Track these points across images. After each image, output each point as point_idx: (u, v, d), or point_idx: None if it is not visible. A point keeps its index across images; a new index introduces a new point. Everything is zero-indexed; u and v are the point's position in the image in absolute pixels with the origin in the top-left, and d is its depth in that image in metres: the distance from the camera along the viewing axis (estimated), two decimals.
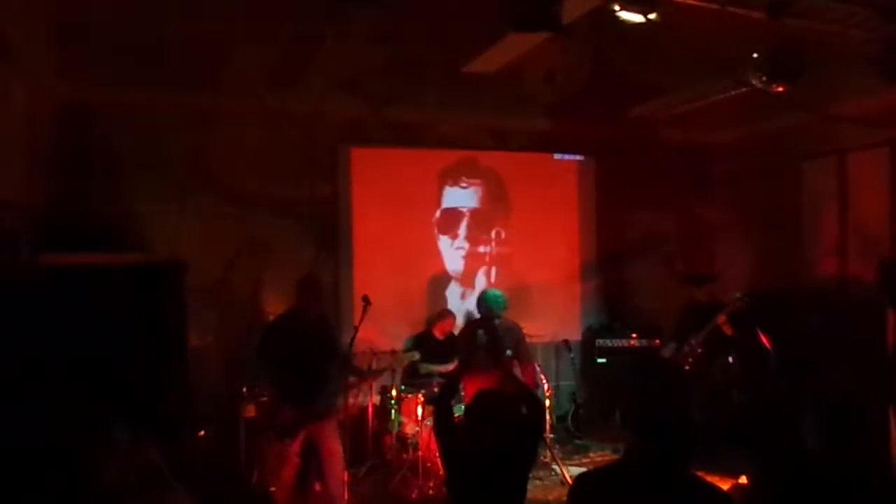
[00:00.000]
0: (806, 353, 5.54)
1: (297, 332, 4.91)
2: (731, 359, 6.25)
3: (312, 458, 5.03)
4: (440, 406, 3.33)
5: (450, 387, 3.49)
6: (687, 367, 6.36)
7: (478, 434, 2.87)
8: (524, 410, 3.07)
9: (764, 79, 4.11)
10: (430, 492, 5.55)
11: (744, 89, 4.52)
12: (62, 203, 5.27)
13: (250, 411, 5.36)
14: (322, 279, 5.88)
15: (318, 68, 6.13)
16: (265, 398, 5.41)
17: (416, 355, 6.16)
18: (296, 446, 4.85)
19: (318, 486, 5.21)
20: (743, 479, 4.37)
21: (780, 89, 4.15)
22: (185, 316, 4.20)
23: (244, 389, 5.50)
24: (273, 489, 5.00)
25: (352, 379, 5.22)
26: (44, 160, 5.11)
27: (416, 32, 6.26)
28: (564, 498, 5.24)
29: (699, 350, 6.28)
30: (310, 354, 4.89)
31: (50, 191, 5.17)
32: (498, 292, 5.76)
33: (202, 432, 5.11)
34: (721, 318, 6.02)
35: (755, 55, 4.10)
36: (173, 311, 4.04)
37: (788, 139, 7.05)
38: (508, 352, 5.49)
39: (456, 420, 3.47)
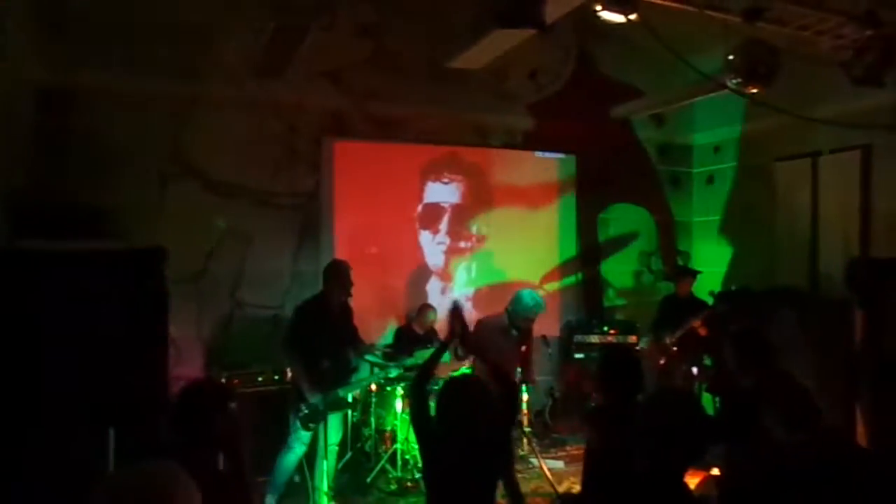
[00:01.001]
0: (776, 350, 5.66)
1: (323, 317, 4.89)
2: (695, 369, 6.43)
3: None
4: (415, 392, 3.35)
5: (425, 374, 3.48)
6: (662, 362, 6.52)
7: (450, 420, 2.91)
8: (494, 395, 3.09)
9: (739, 81, 4.22)
10: (409, 484, 5.61)
11: (720, 91, 4.62)
12: (42, 190, 5.24)
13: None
14: (286, 269, 5.90)
15: (303, 60, 6.16)
16: (248, 388, 5.43)
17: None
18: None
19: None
20: (715, 471, 4.48)
21: (755, 92, 4.25)
22: (165, 304, 4.21)
23: (223, 379, 5.52)
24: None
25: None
26: (23, 146, 5.09)
27: (401, 27, 6.32)
28: (542, 489, 5.37)
29: (674, 348, 6.43)
30: (334, 340, 4.90)
31: (29, 177, 5.15)
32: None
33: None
34: (696, 322, 6.17)
35: (731, 58, 4.20)
36: (154, 298, 4.06)
37: (763, 140, 7.20)
38: None
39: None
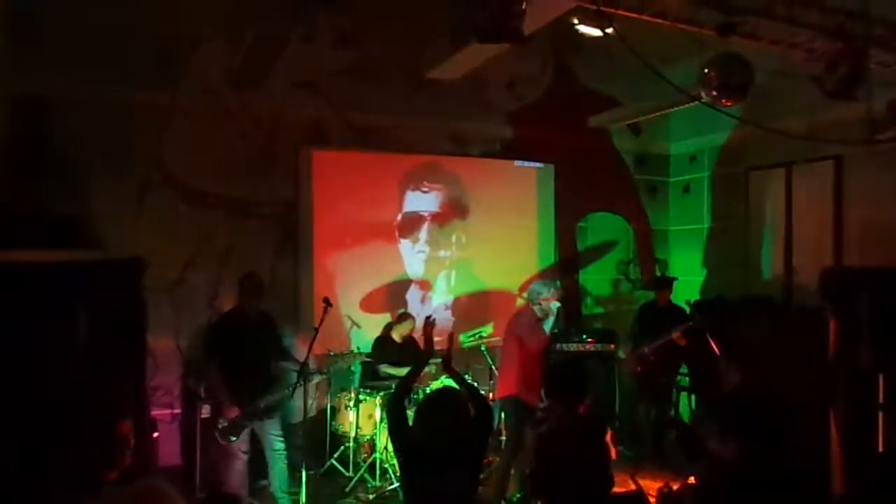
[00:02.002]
0: (751, 359, 5.74)
1: (239, 330, 4.96)
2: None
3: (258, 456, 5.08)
4: (394, 406, 3.38)
5: (404, 389, 3.54)
6: (639, 370, 6.58)
7: (429, 430, 2.94)
8: (472, 410, 3.14)
9: (714, 94, 4.28)
10: (387, 493, 5.60)
11: (695, 103, 4.69)
12: (17, 199, 5.17)
13: (206, 411, 5.35)
14: (269, 279, 5.93)
15: (282, 70, 6.16)
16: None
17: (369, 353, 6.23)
18: (242, 444, 4.91)
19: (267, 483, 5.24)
20: (692, 479, 4.52)
21: (729, 104, 4.32)
22: (143, 315, 4.17)
23: (201, 390, 5.48)
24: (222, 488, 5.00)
25: (297, 377, 5.24)
26: None
27: (380, 37, 6.34)
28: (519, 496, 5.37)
29: (651, 358, 6.48)
30: (252, 352, 4.95)
31: (4, 187, 5.08)
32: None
33: (156, 434, 5.07)
34: (676, 334, 6.22)
35: (706, 71, 4.26)
36: (131, 309, 4.01)
37: (738, 150, 7.32)
38: None
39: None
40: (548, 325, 5.42)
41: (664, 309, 6.72)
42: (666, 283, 6.98)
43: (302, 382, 5.02)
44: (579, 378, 3.67)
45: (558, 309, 5.48)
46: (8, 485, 3.34)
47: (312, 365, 5.40)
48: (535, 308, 5.46)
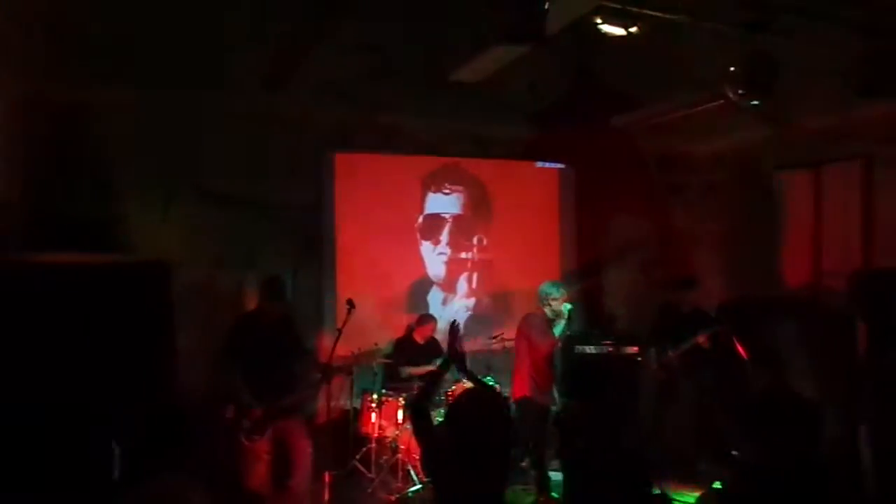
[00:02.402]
0: (779, 363, 5.66)
1: (259, 331, 4.99)
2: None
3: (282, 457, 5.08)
4: (418, 408, 3.39)
5: (427, 392, 3.55)
6: (664, 377, 6.44)
7: (459, 430, 2.94)
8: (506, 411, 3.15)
9: (740, 92, 4.23)
10: (410, 494, 5.60)
11: (720, 102, 4.64)
12: (48, 203, 5.25)
13: (232, 411, 5.36)
14: (292, 280, 5.98)
15: (305, 73, 6.18)
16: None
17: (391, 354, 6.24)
18: (265, 444, 4.93)
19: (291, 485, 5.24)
20: (716, 485, 4.47)
21: (755, 103, 4.26)
22: (171, 316, 4.22)
23: (225, 391, 5.50)
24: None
25: (318, 377, 5.26)
26: (30, 160, 5.09)
27: (402, 40, 6.34)
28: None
29: (676, 363, 6.34)
30: (272, 352, 4.96)
31: (37, 190, 5.16)
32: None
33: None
34: (702, 338, 6.09)
35: (731, 69, 4.21)
36: (160, 311, 4.06)
37: (764, 151, 7.21)
38: None
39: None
40: (559, 328, 5.38)
41: (686, 312, 6.55)
42: (687, 284, 6.80)
43: (326, 383, 5.03)
44: (599, 378, 3.64)
45: (570, 311, 5.43)
46: (32, 482, 3.39)
47: (335, 365, 5.42)
48: (546, 309, 5.43)
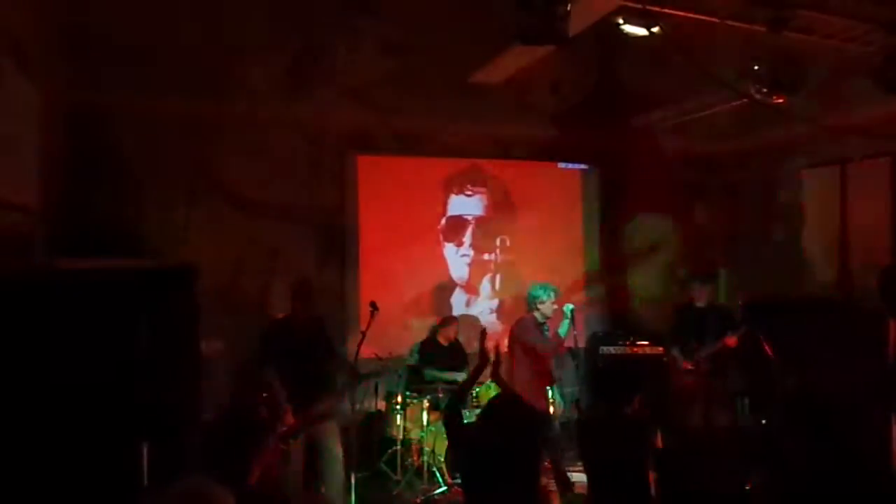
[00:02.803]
0: (806, 362, 5.58)
1: (292, 335, 5.01)
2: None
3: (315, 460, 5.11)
4: (452, 412, 3.42)
5: (461, 395, 3.62)
6: (690, 382, 6.25)
7: (491, 435, 2.98)
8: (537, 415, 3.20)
9: (764, 90, 4.19)
10: (436, 496, 5.61)
11: (745, 100, 4.59)
12: (75, 208, 5.35)
13: (264, 413, 5.39)
14: (316, 283, 6.01)
15: (327, 77, 6.24)
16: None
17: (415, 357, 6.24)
18: (299, 448, 4.95)
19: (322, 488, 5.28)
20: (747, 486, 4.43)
21: (780, 101, 4.22)
22: (196, 321, 4.27)
23: (262, 394, 5.54)
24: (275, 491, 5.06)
25: (348, 380, 5.30)
26: (57, 166, 5.20)
27: (424, 43, 6.37)
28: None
29: (704, 367, 6.20)
30: (305, 357, 4.98)
31: (63, 196, 5.26)
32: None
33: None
34: (730, 339, 5.96)
35: (756, 67, 4.17)
36: (185, 316, 4.11)
37: (790, 149, 7.12)
38: None
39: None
40: (564, 329, 5.32)
41: (707, 309, 6.37)
42: (706, 281, 6.62)
43: (357, 385, 5.05)
44: (626, 378, 3.67)
45: (572, 311, 5.37)
46: (60, 484, 3.45)
47: (362, 368, 5.47)
48: (535, 313, 5.39)
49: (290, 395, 4.90)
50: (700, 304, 6.41)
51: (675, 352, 6.38)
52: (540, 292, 5.42)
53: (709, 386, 6.38)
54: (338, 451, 5.06)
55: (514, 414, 3.03)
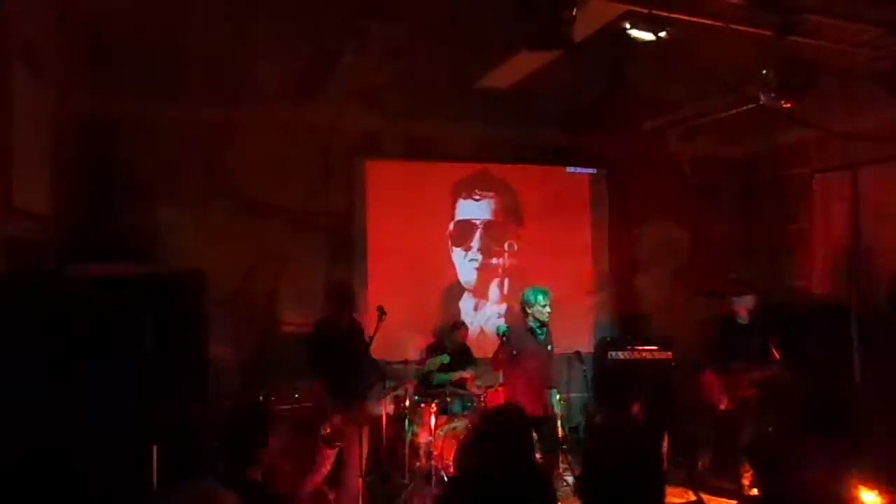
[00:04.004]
0: (816, 367, 5.54)
1: (336, 337, 5.05)
2: None
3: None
4: None
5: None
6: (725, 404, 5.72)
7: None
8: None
9: (773, 95, 4.17)
10: (444, 501, 5.60)
11: (754, 105, 4.58)
12: (86, 214, 5.40)
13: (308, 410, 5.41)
14: (320, 286, 6.07)
15: (336, 82, 6.26)
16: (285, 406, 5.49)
17: (446, 358, 6.24)
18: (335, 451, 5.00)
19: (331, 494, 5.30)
20: (754, 491, 4.41)
21: (789, 105, 4.20)
22: (204, 325, 4.30)
23: (272, 398, 5.56)
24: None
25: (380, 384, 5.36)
26: (69, 173, 5.24)
27: (431, 48, 6.38)
28: None
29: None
30: (348, 359, 5.01)
31: (74, 202, 5.30)
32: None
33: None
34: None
35: (764, 72, 4.16)
36: (193, 320, 4.14)
37: (800, 153, 7.08)
38: None
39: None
40: (541, 336, 5.35)
41: (749, 325, 5.81)
42: (744, 291, 5.96)
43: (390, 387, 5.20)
44: (627, 383, 3.62)
45: (548, 315, 5.38)
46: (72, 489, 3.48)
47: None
48: (529, 319, 5.40)
49: (336, 397, 4.90)
50: (742, 317, 5.86)
51: (703, 371, 5.83)
52: (536, 296, 5.41)
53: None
54: (360, 452, 5.08)
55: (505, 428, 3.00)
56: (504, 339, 5.37)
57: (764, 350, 5.62)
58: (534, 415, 5.36)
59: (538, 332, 5.42)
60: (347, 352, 5.01)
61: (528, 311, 5.39)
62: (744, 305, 5.84)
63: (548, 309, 5.39)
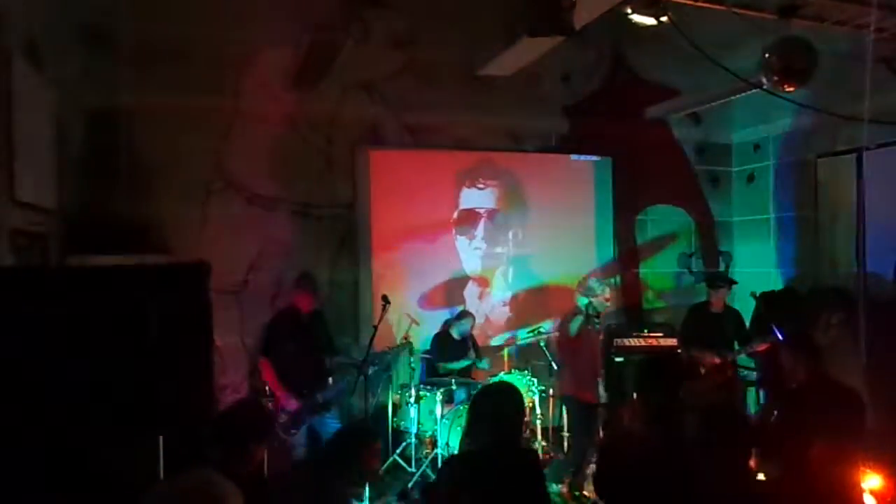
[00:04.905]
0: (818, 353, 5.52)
1: (292, 327, 5.16)
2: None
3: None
4: None
5: None
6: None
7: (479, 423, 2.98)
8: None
9: (775, 79, 4.15)
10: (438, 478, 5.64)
11: (756, 90, 4.55)
12: (90, 206, 5.43)
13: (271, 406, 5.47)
14: (329, 278, 6.18)
15: (338, 72, 6.26)
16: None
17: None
18: (300, 439, 5.08)
19: None
20: (761, 476, 4.41)
21: (791, 89, 4.18)
22: (209, 316, 4.31)
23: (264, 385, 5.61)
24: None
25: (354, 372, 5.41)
26: (72, 164, 5.27)
27: (433, 36, 6.38)
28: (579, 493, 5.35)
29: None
30: (303, 348, 5.12)
31: (79, 194, 5.33)
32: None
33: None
34: (761, 347, 5.74)
35: (766, 56, 4.13)
36: (198, 311, 4.15)
37: (804, 138, 7.05)
38: None
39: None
40: (575, 325, 5.38)
41: (722, 314, 6.14)
42: (724, 283, 6.29)
43: (362, 378, 5.11)
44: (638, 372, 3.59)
45: (586, 306, 5.42)
46: (78, 477, 3.51)
47: (376, 361, 5.57)
48: (589, 308, 5.43)
49: (291, 385, 5.03)
50: (716, 306, 6.15)
51: (695, 350, 6.11)
52: (596, 286, 5.51)
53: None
54: None
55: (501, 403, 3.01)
56: (583, 323, 5.41)
57: (736, 339, 6.01)
58: (590, 401, 5.48)
59: (595, 321, 5.46)
60: (303, 341, 5.14)
61: (592, 299, 5.43)
62: (719, 297, 6.17)
63: (607, 303, 5.52)
